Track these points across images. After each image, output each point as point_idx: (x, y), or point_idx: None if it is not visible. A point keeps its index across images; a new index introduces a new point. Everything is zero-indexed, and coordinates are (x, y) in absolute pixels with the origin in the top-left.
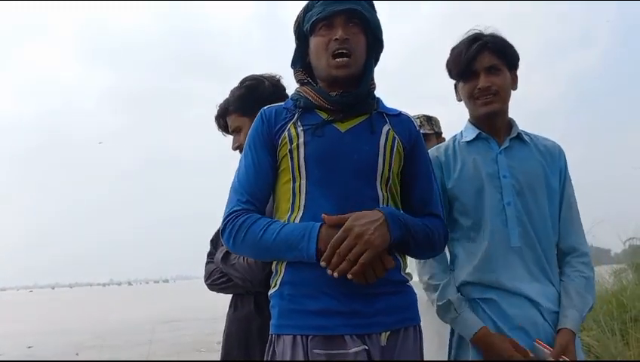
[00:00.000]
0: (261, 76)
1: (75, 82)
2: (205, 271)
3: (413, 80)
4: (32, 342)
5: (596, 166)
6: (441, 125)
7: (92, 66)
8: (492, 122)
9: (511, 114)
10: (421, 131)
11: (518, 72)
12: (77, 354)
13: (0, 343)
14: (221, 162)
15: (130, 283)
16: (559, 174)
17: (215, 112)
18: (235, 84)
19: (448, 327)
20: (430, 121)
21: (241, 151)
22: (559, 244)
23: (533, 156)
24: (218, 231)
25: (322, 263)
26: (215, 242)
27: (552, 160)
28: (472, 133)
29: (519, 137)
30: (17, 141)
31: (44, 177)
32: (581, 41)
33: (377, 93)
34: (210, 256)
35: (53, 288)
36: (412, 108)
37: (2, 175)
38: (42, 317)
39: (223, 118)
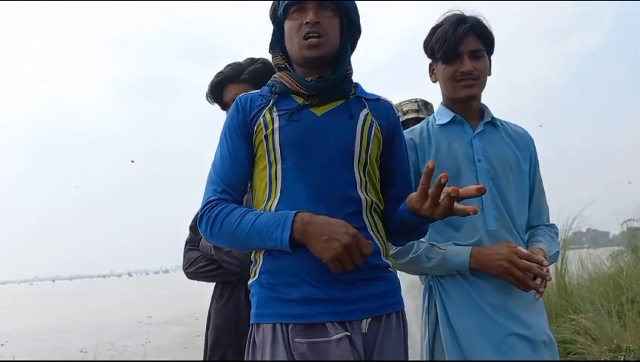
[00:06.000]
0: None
1: (80, 74)
2: (185, 258)
3: None
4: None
5: (598, 144)
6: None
7: (98, 58)
8: (468, 106)
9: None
10: (419, 115)
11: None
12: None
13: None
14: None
15: (130, 275)
16: (529, 159)
17: (213, 80)
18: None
19: None
20: (427, 106)
21: None
22: (529, 224)
23: (505, 141)
24: (196, 217)
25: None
26: (195, 229)
27: (524, 145)
28: (446, 117)
29: (491, 122)
30: (17, 135)
31: (44, 171)
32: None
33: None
34: (191, 242)
35: (53, 281)
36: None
37: (3, 169)
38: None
39: (221, 88)
